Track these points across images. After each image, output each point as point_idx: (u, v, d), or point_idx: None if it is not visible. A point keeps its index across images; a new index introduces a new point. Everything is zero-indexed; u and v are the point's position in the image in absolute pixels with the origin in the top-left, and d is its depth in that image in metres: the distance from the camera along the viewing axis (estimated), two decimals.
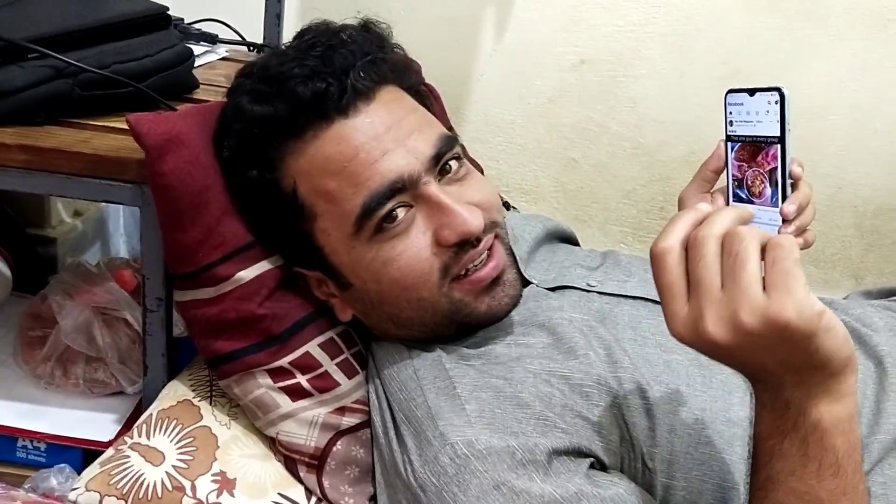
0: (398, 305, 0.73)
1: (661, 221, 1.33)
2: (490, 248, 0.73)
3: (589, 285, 0.80)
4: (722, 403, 0.70)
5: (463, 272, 0.71)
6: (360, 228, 0.69)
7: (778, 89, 0.72)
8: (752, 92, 0.73)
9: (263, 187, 0.72)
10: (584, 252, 0.92)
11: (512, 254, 0.79)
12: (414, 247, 0.69)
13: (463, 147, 1.14)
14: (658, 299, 0.71)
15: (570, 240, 1.01)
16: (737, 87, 0.78)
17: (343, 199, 0.69)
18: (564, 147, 1.35)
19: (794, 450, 0.54)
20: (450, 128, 1.14)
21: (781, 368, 0.52)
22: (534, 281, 0.81)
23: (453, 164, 0.73)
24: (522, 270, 0.81)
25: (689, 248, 0.53)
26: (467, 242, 0.70)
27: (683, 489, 0.67)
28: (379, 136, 0.69)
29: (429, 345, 0.75)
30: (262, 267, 0.76)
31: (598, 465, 0.67)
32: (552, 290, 0.80)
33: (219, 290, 0.75)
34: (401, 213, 0.69)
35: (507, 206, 1.16)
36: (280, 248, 0.76)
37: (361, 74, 0.70)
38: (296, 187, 0.71)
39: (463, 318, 0.74)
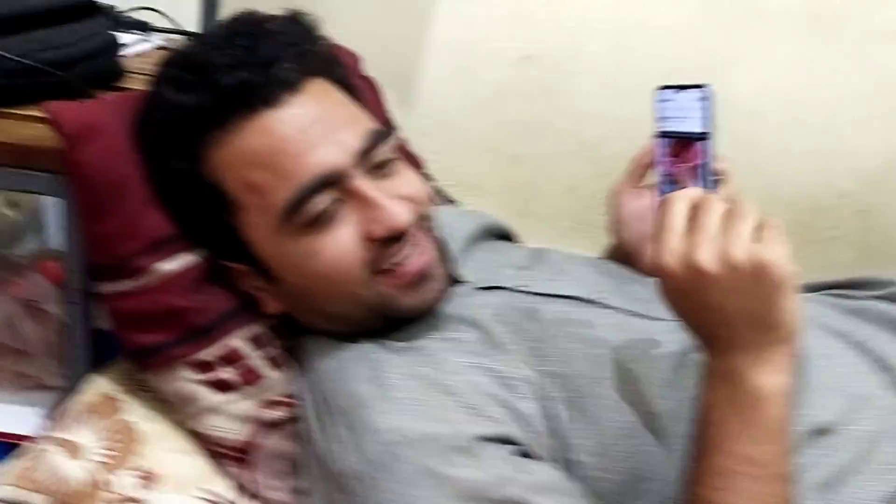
0: (325, 300, 0.72)
1: (604, 217, 1.34)
2: (419, 243, 0.73)
3: (519, 285, 0.80)
4: (647, 396, 0.71)
5: (389, 267, 0.71)
6: (286, 222, 0.68)
7: (703, 87, 0.74)
8: (679, 89, 0.74)
9: (186, 179, 0.70)
10: (518, 251, 0.92)
11: (441, 248, 0.79)
12: (340, 241, 0.69)
13: (403, 141, 1.14)
14: (588, 298, 0.74)
15: (508, 236, 1.01)
16: (667, 83, 0.80)
17: (269, 192, 0.68)
18: (509, 142, 1.35)
19: (734, 416, 0.57)
20: (388, 121, 1.13)
21: (741, 319, 0.57)
22: (465, 280, 0.81)
23: (383, 158, 0.72)
24: (454, 269, 0.81)
25: (698, 206, 0.59)
26: (395, 237, 0.70)
27: (611, 482, 0.68)
28: (306, 129, 0.68)
29: (358, 338, 0.75)
30: (185, 259, 0.75)
31: (527, 456, 0.67)
32: (483, 289, 0.80)
33: (140, 283, 0.74)
34: (328, 207, 0.68)
35: (447, 200, 1.15)
36: (204, 242, 0.75)
37: (287, 65, 0.68)
38: (220, 179, 0.69)
39: (389, 313, 0.73)
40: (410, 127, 1.31)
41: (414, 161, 1.11)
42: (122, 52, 0.89)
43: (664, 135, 0.78)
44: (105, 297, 0.76)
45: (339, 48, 0.77)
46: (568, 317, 0.76)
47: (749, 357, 0.57)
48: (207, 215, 0.72)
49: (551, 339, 0.73)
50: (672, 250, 0.58)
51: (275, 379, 0.77)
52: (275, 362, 0.78)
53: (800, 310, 0.58)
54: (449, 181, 1.37)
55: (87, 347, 0.82)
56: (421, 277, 0.72)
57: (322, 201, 0.67)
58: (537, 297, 0.78)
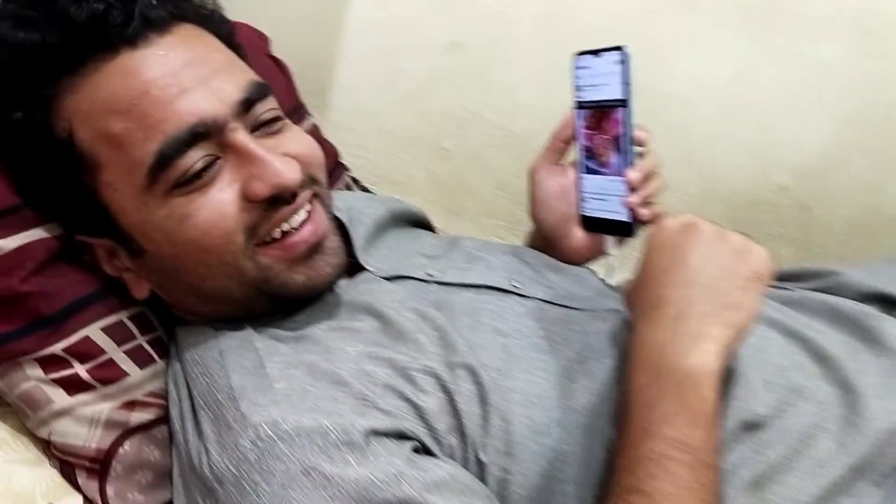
0: (199, 273, 0.63)
1: None
2: (309, 211, 0.64)
3: (428, 275, 0.73)
4: (563, 391, 0.64)
5: (274, 235, 0.62)
6: (153, 181, 0.59)
7: (620, 48, 0.70)
8: (597, 53, 0.71)
9: (31, 133, 0.60)
10: (430, 240, 0.85)
11: (336, 220, 0.71)
12: (216, 202, 0.60)
13: (315, 128, 1.06)
14: (500, 286, 0.70)
15: (423, 224, 0.94)
16: (584, 49, 0.74)
17: (132, 144, 0.58)
18: (436, 135, 1.28)
19: (669, 397, 0.56)
20: (301, 107, 1.05)
21: (709, 285, 0.59)
22: (370, 269, 0.73)
23: (269, 116, 0.64)
24: (358, 256, 0.73)
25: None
26: (280, 198, 0.61)
27: (520, 484, 0.61)
28: (176, 73, 0.59)
29: (240, 324, 0.66)
30: (27, 236, 0.65)
31: (425, 453, 0.60)
32: (389, 279, 0.73)
33: None
34: (201, 163, 0.59)
35: (355, 183, 1.08)
36: (55, 212, 0.65)
37: (154, 3, 0.60)
38: (72, 132, 0.59)
39: (274, 290, 0.64)
40: (329, 119, 1.24)
41: (327, 150, 1.03)
42: None
43: (582, 105, 0.74)
44: None
45: (242, 25, 0.68)
46: (478, 306, 0.70)
47: (697, 327, 0.57)
48: (57, 178, 0.62)
49: (460, 330, 0.66)
50: (675, 215, 0.62)
51: (139, 376, 0.68)
52: (140, 357, 0.68)
53: (758, 310, 0.60)
54: (372, 177, 1.30)
55: None
56: (311, 249, 0.64)
57: (194, 156, 0.59)
58: (447, 287, 0.72)
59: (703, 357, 0.56)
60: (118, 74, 0.58)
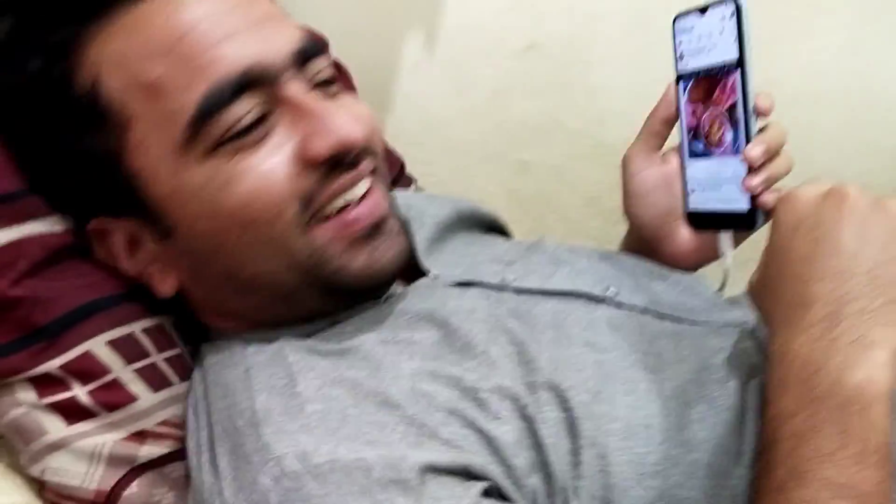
0: (239, 254, 0.53)
1: None
2: (369, 185, 0.56)
3: (504, 281, 0.61)
4: (677, 420, 0.52)
5: (331, 210, 0.54)
6: (193, 136, 0.51)
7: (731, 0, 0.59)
8: (703, 10, 0.61)
9: (48, 88, 0.52)
10: (505, 244, 0.74)
11: (395, 207, 0.60)
12: (267, 163, 0.51)
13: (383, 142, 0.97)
14: (592, 292, 0.60)
15: (497, 228, 0.83)
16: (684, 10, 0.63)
17: (172, 91, 0.50)
18: (513, 147, 1.17)
19: (828, 425, 0.44)
20: None
21: (868, 272, 0.47)
22: (432, 272, 0.62)
23: (326, 76, 0.56)
24: (419, 259, 0.62)
25: None
26: (341, 161, 0.53)
27: None
28: (224, 12, 0.52)
29: (274, 334, 0.56)
30: (21, 230, 0.55)
31: (499, 497, 0.48)
32: (456, 286, 0.61)
33: None
34: (251, 116, 0.51)
35: (410, 182, 0.98)
36: (68, 190, 0.56)
37: None
38: (97, 82, 0.51)
39: (327, 277, 0.54)
40: (395, 133, 1.14)
41: (392, 159, 0.94)
42: None
43: (687, 75, 0.64)
44: None
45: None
46: (565, 316, 0.58)
47: (859, 331, 0.46)
48: (75, 143, 0.53)
49: (543, 345, 0.54)
50: (808, 182, 0.51)
51: (151, 401, 0.57)
52: (154, 377, 0.58)
53: None
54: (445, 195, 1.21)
55: None
56: (372, 227, 0.55)
57: (244, 107, 0.51)
58: (527, 295, 0.60)
59: (871, 370, 0.45)
60: (158, 12, 0.51)
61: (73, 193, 0.56)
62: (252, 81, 0.51)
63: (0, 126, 0.56)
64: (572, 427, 0.50)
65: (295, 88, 0.53)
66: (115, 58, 0.52)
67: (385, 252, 0.56)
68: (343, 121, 0.53)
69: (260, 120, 0.52)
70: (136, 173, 0.53)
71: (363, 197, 0.55)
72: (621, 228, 0.82)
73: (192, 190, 0.52)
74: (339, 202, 0.54)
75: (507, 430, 0.49)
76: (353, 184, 0.54)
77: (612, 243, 1.16)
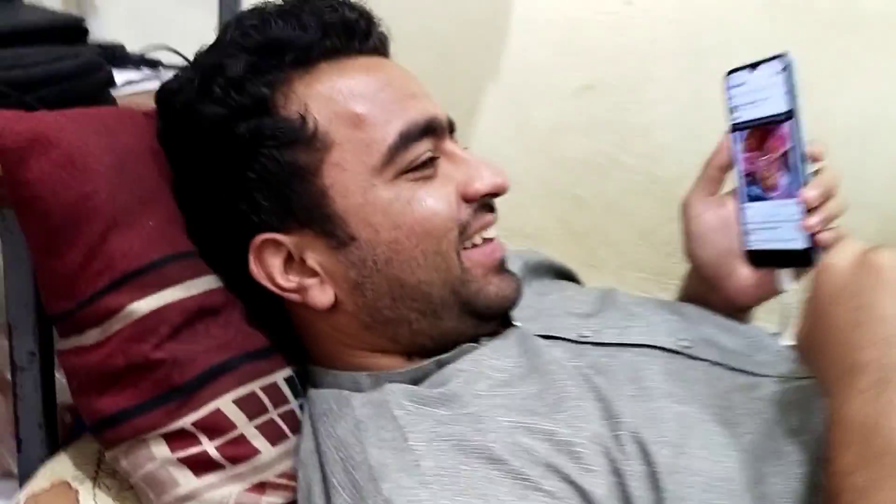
0: (411, 261, 0.61)
1: (685, 264, 1.19)
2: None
3: (581, 336, 0.65)
4: (753, 472, 0.54)
5: (476, 240, 0.64)
6: (389, 161, 0.61)
7: (781, 56, 0.63)
8: (753, 66, 0.66)
9: (262, 108, 0.61)
10: (579, 296, 0.77)
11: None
12: (440, 192, 0.62)
13: None
14: (669, 347, 0.63)
15: (565, 276, 0.86)
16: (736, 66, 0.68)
17: (375, 124, 0.61)
18: (570, 183, 1.21)
19: (888, 481, 0.45)
20: None
21: None
22: (517, 324, 0.66)
23: (459, 141, 0.68)
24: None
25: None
26: (488, 203, 0.65)
27: None
28: (408, 79, 0.65)
29: (378, 382, 0.61)
30: (164, 297, 0.60)
31: None
32: (541, 337, 0.65)
33: (107, 330, 0.59)
34: (428, 154, 0.62)
35: None
36: (239, 213, 0.62)
37: (381, 31, 0.67)
38: (307, 111, 0.61)
39: (469, 295, 0.63)
40: None
41: None
42: (116, 86, 0.78)
43: (739, 127, 0.68)
44: (64, 355, 0.61)
45: None
46: (643, 369, 0.61)
47: None
48: (279, 152, 0.61)
49: (627, 398, 0.58)
50: (844, 248, 0.54)
51: (271, 454, 0.62)
52: (272, 432, 0.62)
53: None
54: (502, 231, 1.23)
55: (41, 424, 0.67)
56: (501, 263, 0.66)
57: (423, 146, 0.62)
58: (604, 348, 0.64)
59: None
60: (361, 68, 0.64)
61: (248, 211, 0.62)
62: (430, 129, 0.62)
63: (188, 161, 0.64)
64: (655, 481, 0.53)
65: (451, 144, 0.65)
66: (324, 96, 0.61)
67: (510, 284, 0.65)
68: (493, 170, 0.64)
69: (431, 160, 0.62)
70: (327, 188, 0.61)
71: (492, 239, 0.65)
72: (673, 261, 0.84)
73: (380, 205, 0.60)
74: (483, 235, 0.64)
75: (600, 484, 0.52)
76: (491, 224, 0.65)
77: (664, 275, 1.20)
